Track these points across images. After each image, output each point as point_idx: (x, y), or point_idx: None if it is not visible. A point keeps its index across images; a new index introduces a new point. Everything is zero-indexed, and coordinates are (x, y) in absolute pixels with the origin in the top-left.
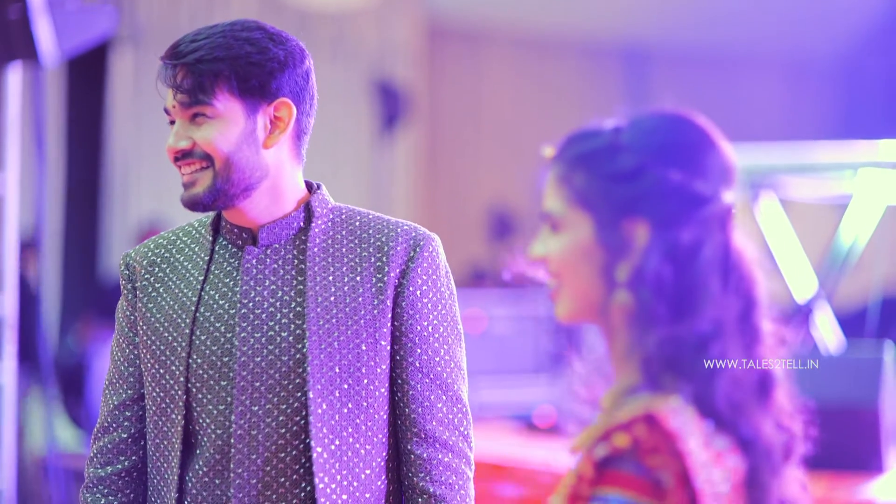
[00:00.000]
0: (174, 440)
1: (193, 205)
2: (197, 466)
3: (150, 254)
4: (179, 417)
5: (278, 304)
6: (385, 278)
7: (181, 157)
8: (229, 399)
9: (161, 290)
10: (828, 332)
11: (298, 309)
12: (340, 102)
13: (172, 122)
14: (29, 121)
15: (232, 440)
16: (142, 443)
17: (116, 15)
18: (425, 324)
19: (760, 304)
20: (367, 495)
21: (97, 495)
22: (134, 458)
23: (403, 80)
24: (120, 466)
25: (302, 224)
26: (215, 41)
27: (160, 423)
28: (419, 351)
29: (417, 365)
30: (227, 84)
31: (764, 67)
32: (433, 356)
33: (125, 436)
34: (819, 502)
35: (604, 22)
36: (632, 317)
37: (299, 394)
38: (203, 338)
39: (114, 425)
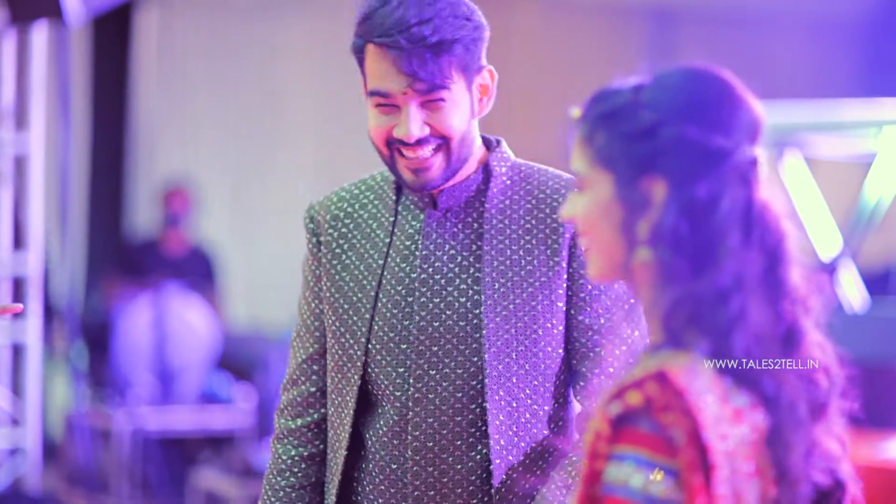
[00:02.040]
0: (349, 399)
1: (425, 188)
2: (378, 426)
3: (332, 207)
4: (356, 377)
5: (457, 269)
6: (560, 239)
7: (414, 143)
8: (408, 362)
9: (346, 248)
10: (852, 291)
11: (477, 275)
12: None
13: (382, 105)
14: (54, 80)
15: (410, 403)
16: None
17: None
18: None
19: (788, 258)
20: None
21: (288, 447)
22: (322, 410)
23: None
24: (309, 419)
25: (481, 185)
26: (439, 22)
27: (337, 379)
28: (589, 309)
29: (588, 322)
30: (459, 64)
31: (789, 25)
32: (604, 314)
33: (314, 389)
34: None
35: None
36: (653, 274)
37: (476, 358)
38: (384, 300)
39: (302, 378)
